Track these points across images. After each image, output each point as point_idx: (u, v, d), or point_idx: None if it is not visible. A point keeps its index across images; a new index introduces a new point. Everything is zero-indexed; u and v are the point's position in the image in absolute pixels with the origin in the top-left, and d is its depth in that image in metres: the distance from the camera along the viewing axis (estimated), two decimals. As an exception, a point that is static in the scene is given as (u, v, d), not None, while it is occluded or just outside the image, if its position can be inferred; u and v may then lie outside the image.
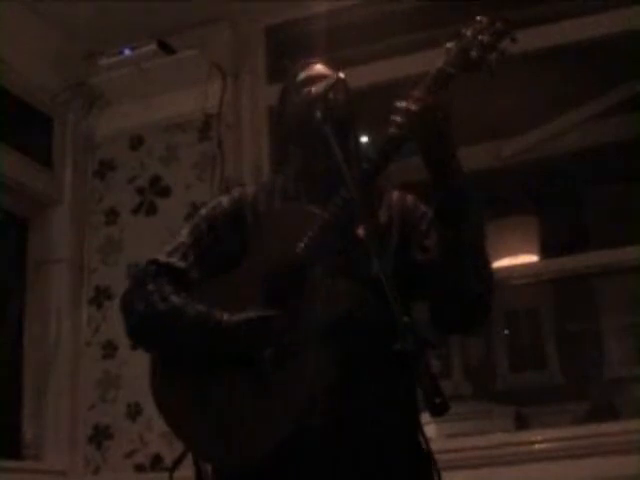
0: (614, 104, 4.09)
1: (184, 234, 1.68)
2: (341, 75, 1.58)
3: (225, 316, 1.50)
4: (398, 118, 1.46)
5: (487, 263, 1.55)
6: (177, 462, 1.59)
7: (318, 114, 1.54)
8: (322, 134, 1.52)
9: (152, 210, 3.40)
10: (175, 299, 1.57)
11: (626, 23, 3.15)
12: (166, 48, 3.35)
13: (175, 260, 1.63)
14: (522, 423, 4.65)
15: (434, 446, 1.52)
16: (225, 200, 1.72)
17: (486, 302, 1.56)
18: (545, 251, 4.91)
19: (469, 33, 1.46)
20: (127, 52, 3.36)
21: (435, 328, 1.60)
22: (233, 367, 1.49)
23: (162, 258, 1.64)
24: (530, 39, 3.20)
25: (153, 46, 3.32)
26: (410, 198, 1.71)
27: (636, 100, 3.92)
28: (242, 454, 1.47)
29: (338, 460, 1.46)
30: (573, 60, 3.59)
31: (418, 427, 1.57)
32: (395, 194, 1.71)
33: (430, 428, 3.71)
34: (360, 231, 1.53)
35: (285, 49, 3.41)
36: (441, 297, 1.55)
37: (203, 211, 1.72)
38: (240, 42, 3.48)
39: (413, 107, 1.44)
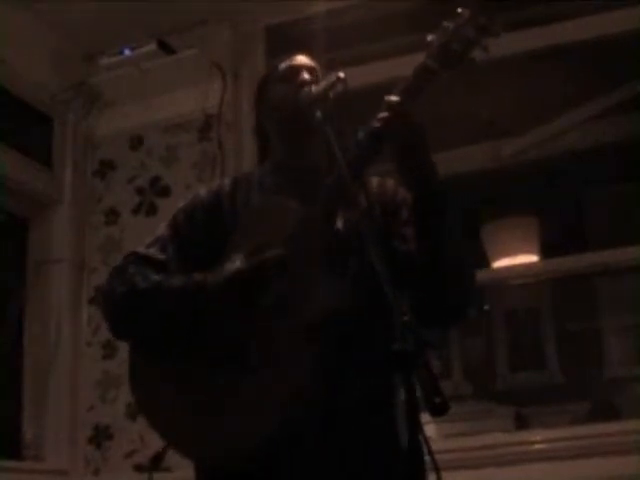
0: (614, 104, 4.09)
1: (163, 227, 1.68)
2: (341, 74, 1.58)
3: (209, 276, 1.49)
4: (381, 114, 1.45)
5: (466, 267, 1.56)
6: (157, 459, 1.59)
7: (319, 114, 1.54)
8: (323, 134, 1.52)
9: (152, 210, 3.40)
10: (156, 276, 1.56)
11: (627, 23, 3.15)
12: (166, 48, 3.35)
13: (154, 251, 1.62)
14: (522, 423, 4.63)
15: (434, 446, 1.52)
16: (203, 192, 1.72)
17: (463, 305, 1.58)
18: (545, 251, 4.90)
19: (451, 27, 1.44)
20: (127, 52, 3.36)
21: (417, 321, 1.60)
22: (216, 360, 1.48)
23: (141, 250, 1.64)
24: (531, 39, 3.20)
25: (153, 46, 3.32)
26: (390, 183, 1.70)
27: (636, 100, 3.92)
28: (225, 450, 1.46)
29: (335, 460, 1.46)
30: (573, 60, 3.59)
31: (418, 427, 1.57)
32: (374, 181, 1.70)
33: (430, 428, 3.70)
34: (345, 225, 1.53)
35: (285, 49, 3.41)
36: (422, 288, 1.54)
37: (182, 204, 1.71)
38: (240, 42, 3.48)
39: (393, 101, 1.44)
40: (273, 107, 1.70)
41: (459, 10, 1.43)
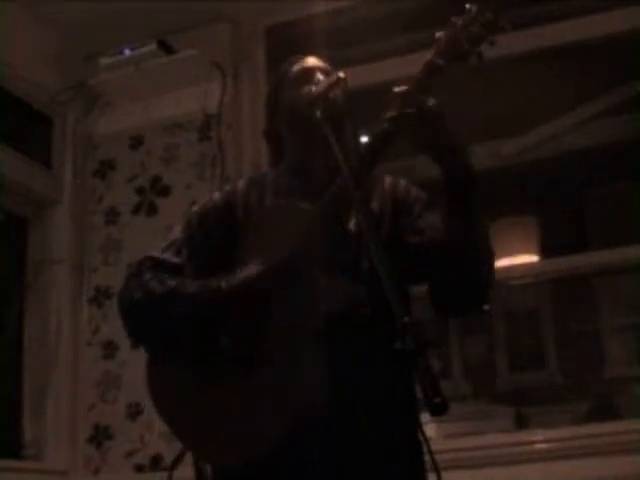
0: (614, 104, 4.09)
1: (177, 230, 1.70)
2: (341, 74, 1.58)
3: (223, 281, 1.51)
4: (390, 113, 1.45)
5: (489, 247, 1.55)
6: (176, 461, 1.59)
7: (318, 113, 1.54)
8: (322, 133, 1.52)
9: (152, 210, 3.40)
10: (172, 281, 1.58)
11: (627, 23, 3.15)
12: (166, 48, 3.34)
13: (169, 256, 1.65)
14: (522, 423, 4.63)
15: (434, 446, 1.52)
16: (217, 195, 1.74)
17: (487, 283, 1.56)
18: (545, 251, 4.90)
19: (459, 23, 1.44)
20: (127, 52, 3.36)
21: (435, 312, 1.59)
22: (230, 363, 1.49)
23: (157, 254, 1.66)
24: (531, 39, 3.20)
25: (153, 46, 3.32)
26: (402, 183, 1.71)
27: (636, 100, 3.93)
28: (239, 453, 1.47)
29: (337, 459, 1.46)
30: (573, 60, 3.59)
31: (418, 427, 1.57)
32: (387, 180, 1.70)
33: (430, 428, 3.70)
34: (356, 226, 1.53)
35: (285, 49, 3.42)
36: (442, 278, 1.54)
37: (196, 207, 1.73)
38: (240, 42, 3.48)
39: (402, 93, 1.45)
40: (289, 111, 1.69)
41: (467, 6, 1.43)
